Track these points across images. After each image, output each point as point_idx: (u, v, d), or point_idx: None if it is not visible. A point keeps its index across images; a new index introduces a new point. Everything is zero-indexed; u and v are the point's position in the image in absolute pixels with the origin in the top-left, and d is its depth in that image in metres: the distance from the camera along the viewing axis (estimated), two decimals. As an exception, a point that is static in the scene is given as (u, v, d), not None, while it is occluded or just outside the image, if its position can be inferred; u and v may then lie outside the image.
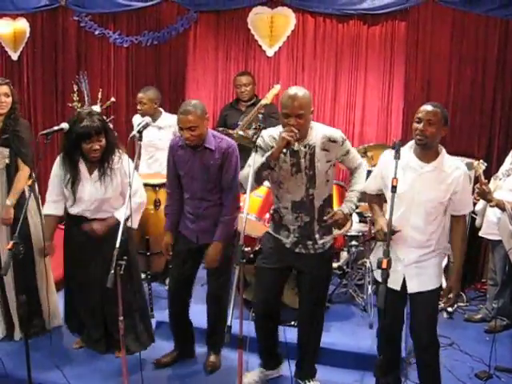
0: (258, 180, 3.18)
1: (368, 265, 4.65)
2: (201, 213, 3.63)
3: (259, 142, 3.28)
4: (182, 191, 3.72)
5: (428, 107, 3.06)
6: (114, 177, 3.66)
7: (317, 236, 3.35)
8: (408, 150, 3.14)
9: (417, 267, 3.16)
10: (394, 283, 3.14)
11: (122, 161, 3.68)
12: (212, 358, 3.88)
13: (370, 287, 4.56)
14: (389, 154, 3.18)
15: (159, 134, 5.00)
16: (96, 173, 3.65)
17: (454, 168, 3.08)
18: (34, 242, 4.03)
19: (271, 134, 3.29)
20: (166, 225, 3.79)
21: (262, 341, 3.67)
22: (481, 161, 4.00)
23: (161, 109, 5.23)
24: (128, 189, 3.26)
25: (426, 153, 3.09)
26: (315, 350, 3.63)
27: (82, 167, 3.66)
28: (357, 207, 3.46)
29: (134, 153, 3.51)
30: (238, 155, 3.62)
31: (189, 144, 3.51)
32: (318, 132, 3.24)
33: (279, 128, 3.23)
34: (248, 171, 3.12)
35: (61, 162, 3.70)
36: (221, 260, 3.64)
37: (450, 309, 4.70)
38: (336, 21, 5.80)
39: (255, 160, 3.13)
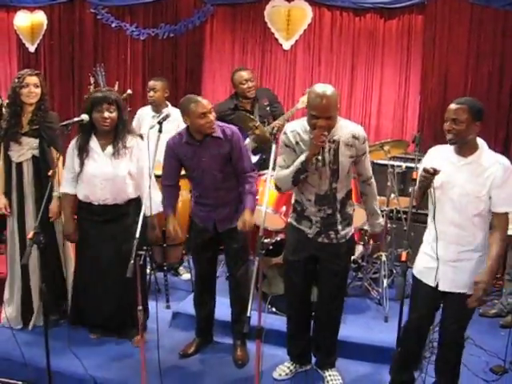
0: (296, 183, 3.21)
1: (384, 258, 4.65)
2: (220, 202, 3.65)
3: (283, 139, 3.27)
4: (178, 182, 3.77)
5: (452, 106, 2.99)
6: (127, 155, 3.70)
7: (339, 227, 3.35)
8: (449, 147, 3.08)
9: (454, 266, 3.08)
10: (430, 280, 3.12)
11: (137, 143, 3.74)
12: (239, 350, 3.88)
13: (385, 281, 4.56)
14: (434, 149, 3.14)
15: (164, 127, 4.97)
16: (109, 149, 3.70)
17: (493, 162, 2.98)
18: (57, 232, 4.10)
19: (294, 129, 3.26)
20: (167, 211, 3.75)
21: (296, 337, 3.70)
22: None
23: (167, 101, 5.24)
24: (143, 173, 3.44)
25: (463, 148, 3.02)
26: (334, 339, 3.66)
27: (94, 144, 3.71)
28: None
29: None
30: (241, 138, 3.70)
31: (210, 130, 3.52)
32: (343, 128, 3.22)
33: (303, 123, 3.23)
34: (283, 173, 3.18)
35: (75, 140, 3.77)
36: (242, 245, 3.72)
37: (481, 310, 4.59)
38: (353, 14, 5.80)
39: (284, 159, 3.22)
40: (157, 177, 3.99)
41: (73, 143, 3.78)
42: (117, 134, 3.69)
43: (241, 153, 3.62)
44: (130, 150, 3.72)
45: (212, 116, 3.50)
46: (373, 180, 3.42)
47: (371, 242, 3.46)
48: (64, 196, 3.85)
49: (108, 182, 3.70)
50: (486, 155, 3.03)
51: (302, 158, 3.11)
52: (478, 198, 2.99)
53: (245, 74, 5.14)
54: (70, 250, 4.22)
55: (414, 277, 3.29)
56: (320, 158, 3.16)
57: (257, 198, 4.24)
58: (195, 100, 3.49)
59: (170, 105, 5.21)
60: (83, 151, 3.71)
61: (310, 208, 3.33)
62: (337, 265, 3.40)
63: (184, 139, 3.60)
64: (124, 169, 3.70)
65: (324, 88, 3.06)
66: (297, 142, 3.23)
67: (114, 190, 3.72)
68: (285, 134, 3.28)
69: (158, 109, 5.12)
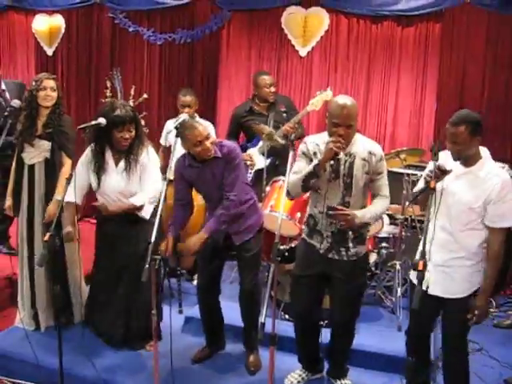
0: (305, 188, 3.21)
1: (398, 267, 4.62)
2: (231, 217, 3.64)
3: (302, 147, 3.30)
4: (190, 200, 3.77)
5: (451, 128, 2.97)
6: (139, 170, 3.73)
7: (350, 244, 3.32)
8: (449, 153, 3.09)
9: (443, 271, 3.10)
10: (424, 284, 3.11)
11: (148, 155, 3.76)
12: (252, 357, 3.88)
13: (399, 289, 4.53)
14: (443, 153, 3.10)
15: None
16: (122, 164, 3.74)
17: (493, 175, 2.98)
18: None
19: (314, 141, 3.30)
20: (170, 232, 3.68)
21: (303, 346, 3.70)
22: None
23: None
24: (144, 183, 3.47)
25: (467, 161, 3.03)
26: (348, 348, 3.65)
27: (109, 158, 3.76)
28: (367, 224, 3.37)
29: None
30: (239, 157, 3.66)
31: (206, 156, 3.52)
32: (361, 143, 3.24)
33: (322, 136, 3.27)
34: (294, 178, 3.19)
35: (90, 151, 3.79)
36: (253, 255, 3.70)
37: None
38: (370, 22, 5.78)
39: (299, 166, 3.23)
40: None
41: (88, 155, 3.80)
42: (131, 150, 3.72)
43: (231, 172, 3.59)
44: (142, 164, 3.75)
45: (208, 143, 3.48)
46: (384, 200, 3.33)
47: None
48: (67, 205, 3.73)
49: (120, 195, 3.76)
50: (488, 167, 3.03)
51: (316, 161, 3.13)
52: (472, 209, 3.00)
53: (268, 79, 5.20)
54: (76, 254, 4.23)
55: (411, 282, 3.31)
56: (334, 168, 3.18)
57: (271, 203, 4.25)
58: (191, 127, 3.45)
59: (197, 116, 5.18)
60: (99, 166, 3.75)
61: (322, 221, 3.31)
62: (349, 282, 3.35)
63: (187, 162, 3.64)
64: (135, 183, 3.75)
65: (345, 98, 3.14)
66: (314, 153, 3.26)
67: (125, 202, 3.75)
68: (304, 143, 3.32)
69: None
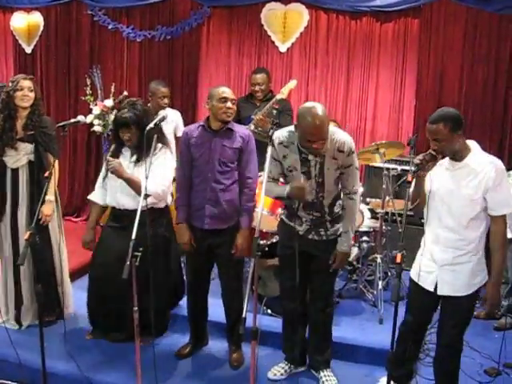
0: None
1: (379, 261, 4.67)
2: (211, 197, 3.64)
3: (271, 152, 3.20)
4: (191, 180, 3.74)
5: (430, 126, 2.98)
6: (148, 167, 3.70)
7: (328, 225, 3.46)
8: None
9: (451, 270, 3.09)
10: (428, 284, 3.15)
11: (160, 153, 3.77)
12: (235, 354, 3.90)
13: (380, 283, 4.57)
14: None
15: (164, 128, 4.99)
16: (134, 157, 3.79)
17: (486, 164, 2.99)
18: (51, 233, 4.12)
19: (282, 142, 3.32)
20: (180, 216, 3.74)
21: (289, 334, 3.73)
22: None
23: None
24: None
25: (456, 156, 3.05)
26: (328, 339, 3.69)
27: (126, 151, 3.84)
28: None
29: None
30: (254, 143, 3.73)
31: (227, 118, 3.61)
32: (331, 140, 3.23)
33: (288, 130, 3.33)
34: (269, 188, 3.33)
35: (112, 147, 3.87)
36: (229, 252, 3.70)
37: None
38: (349, 17, 5.83)
39: (271, 171, 3.31)
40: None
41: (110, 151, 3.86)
42: (139, 147, 3.70)
43: (250, 156, 3.67)
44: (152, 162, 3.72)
45: (231, 105, 3.60)
46: (356, 197, 3.39)
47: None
48: (93, 204, 3.97)
49: (127, 187, 3.73)
50: (479, 157, 3.04)
51: (287, 191, 3.25)
52: (474, 200, 3.00)
53: (258, 78, 5.30)
54: (65, 252, 4.23)
55: (411, 279, 3.31)
56: (306, 171, 3.30)
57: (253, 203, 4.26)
58: (220, 86, 3.69)
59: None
60: (115, 150, 3.82)
61: (300, 212, 3.43)
62: (327, 260, 3.44)
63: (201, 124, 3.71)
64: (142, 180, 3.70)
65: (315, 110, 3.08)
66: (284, 156, 3.33)
67: (132, 195, 3.73)
68: (273, 146, 3.27)
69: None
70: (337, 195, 3.44)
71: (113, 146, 3.87)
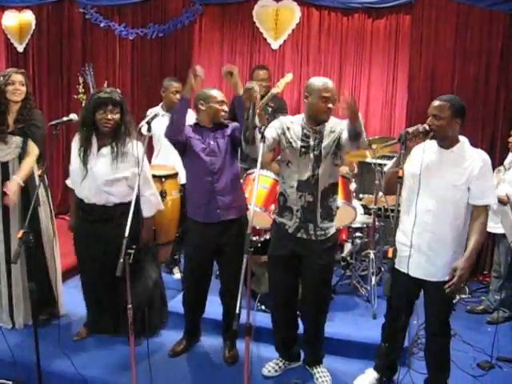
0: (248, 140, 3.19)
1: (372, 256, 4.69)
2: (217, 188, 3.66)
3: (283, 119, 3.47)
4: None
5: (435, 102, 3.09)
6: (125, 159, 3.69)
7: (318, 219, 3.41)
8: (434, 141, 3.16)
9: (427, 255, 3.15)
10: (405, 267, 3.18)
11: (133, 146, 3.68)
12: (229, 349, 3.91)
13: (373, 278, 4.60)
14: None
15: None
16: (104, 150, 3.69)
17: (473, 153, 3.08)
18: (43, 232, 4.11)
19: (293, 122, 3.43)
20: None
21: (280, 332, 3.74)
22: None
23: None
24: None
25: (445, 143, 3.11)
26: (321, 335, 3.69)
27: (94, 143, 3.72)
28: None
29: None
30: None
31: (221, 117, 3.67)
32: (329, 122, 3.37)
33: (297, 117, 3.45)
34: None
35: (78, 137, 3.75)
36: (236, 251, 3.68)
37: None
38: (341, 14, 5.83)
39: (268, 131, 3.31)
40: (154, 177, 4.04)
41: (76, 140, 3.78)
42: (117, 137, 3.68)
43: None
44: (127, 154, 3.69)
45: (222, 107, 3.67)
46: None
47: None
48: (73, 192, 3.91)
49: (94, 183, 3.69)
50: (467, 148, 3.12)
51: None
52: (456, 186, 3.06)
53: (260, 73, 5.42)
54: (57, 249, 4.23)
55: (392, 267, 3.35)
56: (305, 145, 3.34)
57: (246, 196, 4.27)
58: (212, 90, 3.74)
59: None
60: (84, 150, 3.71)
61: (292, 195, 3.42)
62: (318, 263, 3.43)
63: (194, 123, 3.74)
64: (121, 173, 3.69)
65: (322, 77, 3.40)
66: (288, 128, 3.40)
67: (100, 191, 3.71)
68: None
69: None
70: (332, 184, 3.42)
71: (79, 135, 3.73)
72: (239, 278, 3.78)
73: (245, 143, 3.22)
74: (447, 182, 3.06)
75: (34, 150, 3.97)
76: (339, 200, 3.95)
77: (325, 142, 3.33)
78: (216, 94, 3.68)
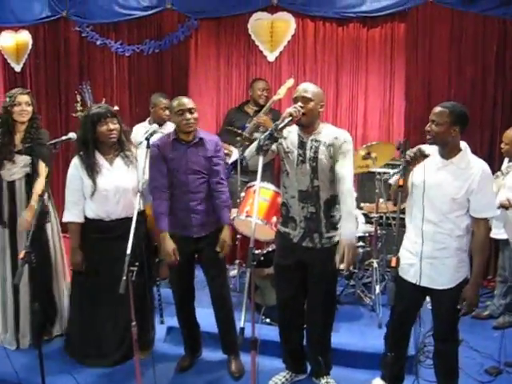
0: (259, 149, 3.15)
1: (375, 265, 4.67)
2: (195, 207, 3.67)
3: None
4: (169, 191, 3.70)
5: (436, 108, 3.10)
6: (134, 167, 3.75)
7: (323, 229, 3.40)
8: (435, 149, 3.16)
9: (430, 263, 3.14)
10: (410, 276, 3.19)
11: (135, 154, 3.79)
12: (234, 363, 3.88)
13: (377, 287, 4.58)
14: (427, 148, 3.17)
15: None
16: (118, 162, 3.74)
17: (473, 166, 3.05)
18: (50, 248, 4.15)
19: (293, 131, 3.46)
20: (162, 225, 3.65)
21: (286, 344, 3.73)
22: None
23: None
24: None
25: (445, 150, 3.10)
26: (327, 346, 3.67)
27: (100, 159, 3.73)
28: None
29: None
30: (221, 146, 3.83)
31: (188, 128, 3.59)
32: (329, 131, 3.37)
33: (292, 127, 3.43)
34: (252, 147, 3.42)
35: (78, 160, 3.74)
36: (219, 257, 3.72)
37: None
38: (336, 24, 5.85)
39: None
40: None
41: (76, 164, 3.74)
42: (122, 146, 3.74)
43: (220, 161, 3.72)
44: (132, 161, 3.77)
45: (190, 115, 3.57)
46: (350, 193, 3.28)
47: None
48: (70, 225, 3.79)
49: (121, 196, 3.73)
50: (468, 159, 3.09)
51: (274, 125, 3.23)
52: (454, 199, 3.05)
53: (262, 84, 5.66)
54: (62, 269, 4.22)
55: (396, 276, 3.34)
56: (302, 153, 3.35)
57: (247, 209, 4.27)
58: (178, 98, 3.65)
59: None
60: (92, 169, 3.69)
61: (294, 206, 3.42)
62: (323, 270, 3.42)
63: (172, 137, 3.68)
64: (134, 180, 3.72)
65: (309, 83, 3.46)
66: (285, 137, 3.44)
67: (126, 202, 3.74)
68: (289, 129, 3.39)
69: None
70: (334, 196, 3.39)
71: (79, 159, 3.73)
72: (225, 282, 3.81)
73: (256, 152, 3.21)
74: (446, 195, 3.06)
75: (44, 170, 3.98)
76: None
77: (321, 155, 3.31)
78: (174, 104, 3.61)
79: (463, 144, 3.14)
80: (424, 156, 3.05)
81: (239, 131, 5.06)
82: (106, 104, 3.85)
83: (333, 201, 3.40)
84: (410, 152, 3.06)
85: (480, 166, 3.06)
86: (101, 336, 3.94)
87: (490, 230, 3.17)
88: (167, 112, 5.07)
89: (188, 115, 3.57)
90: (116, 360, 3.94)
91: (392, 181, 3.51)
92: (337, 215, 3.43)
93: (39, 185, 3.94)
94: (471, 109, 5.37)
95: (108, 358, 3.94)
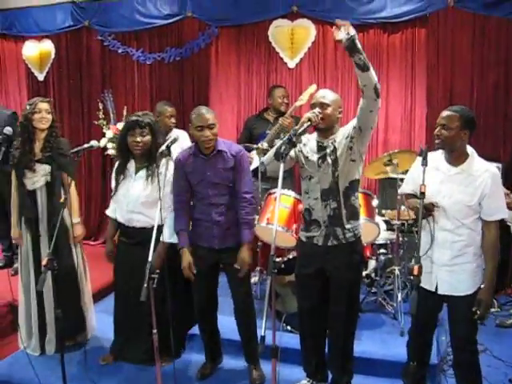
0: (277, 155, 3.27)
1: (397, 272, 4.64)
2: (217, 219, 3.66)
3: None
4: (189, 206, 3.76)
5: (444, 112, 3.10)
6: (155, 181, 3.71)
7: (345, 221, 3.38)
8: (440, 154, 3.17)
9: (449, 270, 3.12)
10: (429, 284, 3.18)
11: (167, 168, 3.76)
12: (255, 371, 3.87)
13: (399, 294, 4.54)
14: (435, 155, 3.20)
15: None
16: (142, 173, 3.77)
17: (483, 171, 3.04)
18: (74, 258, 4.16)
19: (305, 137, 3.49)
20: (183, 241, 3.70)
21: (308, 351, 3.70)
22: None
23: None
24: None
25: (453, 156, 3.10)
26: (349, 355, 3.62)
27: (131, 167, 3.81)
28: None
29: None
30: (247, 159, 3.77)
31: (207, 144, 3.56)
32: (341, 129, 3.41)
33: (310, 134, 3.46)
34: (270, 152, 3.44)
35: (117, 163, 3.90)
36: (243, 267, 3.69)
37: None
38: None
39: None
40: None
41: (115, 165, 3.92)
42: (151, 158, 3.73)
43: (243, 170, 3.67)
44: (154, 175, 3.73)
45: (209, 132, 3.53)
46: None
47: None
48: (109, 219, 4.03)
49: (135, 205, 3.76)
50: (476, 164, 3.08)
51: (293, 131, 3.23)
52: (469, 206, 3.05)
53: (283, 91, 5.57)
54: (87, 274, 4.26)
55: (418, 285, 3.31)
56: (322, 156, 3.36)
57: (267, 216, 4.25)
58: (198, 112, 3.57)
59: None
60: (120, 174, 3.83)
61: (317, 207, 3.41)
62: (347, 277, 3.40)
63: (192, 150, 3.68)
64: (148, 193, 3.73)
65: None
66: (304, 144, 3.46)
67: (140, 214, 3.77)
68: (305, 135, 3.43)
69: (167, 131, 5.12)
70: (353, 182, 3.39)
71: (117, 163, 3.90)
72: (248, 291, 3.80)
73: (274, 157, 3.29)
74: (459, 203, 3.05)
75: (70, 181, 4.02)
76: (362, 217, 3.90)
77: (339, 147, 3.32)
78: (194, 120, 3.56)
79: (470, 149, 3.13)
80: (431, 209, 3.10)
81: (254, 146, 5.03)
82: (147, 113, 3.84)
83: (351, 189, 3.39)
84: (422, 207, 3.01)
85: (490, 169, 3.06)
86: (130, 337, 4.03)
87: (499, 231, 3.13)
88: (173, 120, 5.10)
89: (207, 132, 3.53)
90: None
91: (400, 191, 3.51)
92: (356, 204, 3.43)
93: (75, 202, 4.12)
94: (494, 114, 5.37)
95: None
